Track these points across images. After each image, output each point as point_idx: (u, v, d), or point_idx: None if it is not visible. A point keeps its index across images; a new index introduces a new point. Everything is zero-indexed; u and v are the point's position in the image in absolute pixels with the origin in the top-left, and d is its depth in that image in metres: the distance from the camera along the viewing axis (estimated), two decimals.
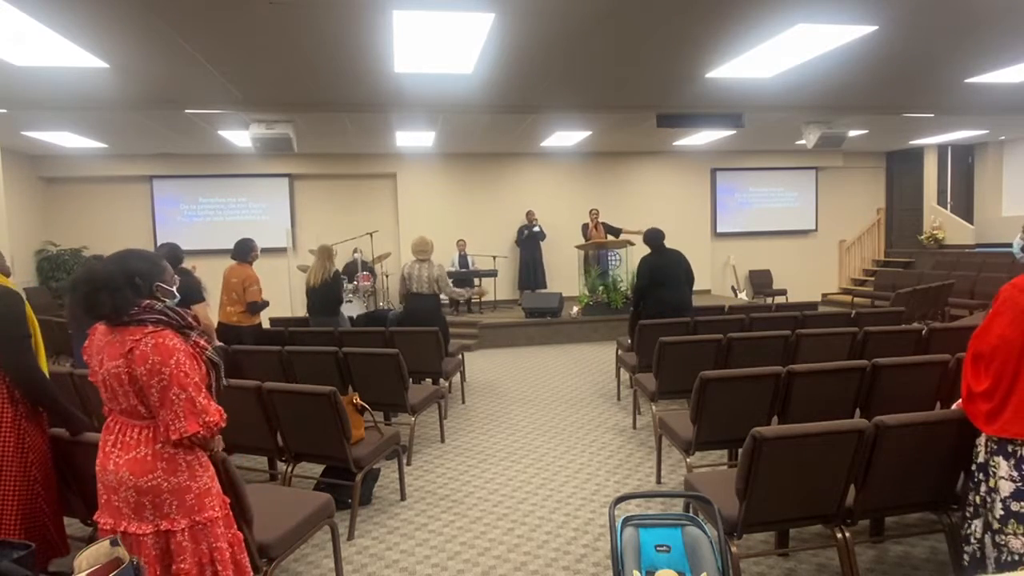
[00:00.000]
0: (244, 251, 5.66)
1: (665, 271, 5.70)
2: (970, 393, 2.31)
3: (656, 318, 5.40)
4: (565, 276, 10.85)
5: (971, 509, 2.34)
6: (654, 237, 5.76)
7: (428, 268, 5.89)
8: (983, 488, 2.27)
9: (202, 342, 2.04)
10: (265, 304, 5.67)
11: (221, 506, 2.06)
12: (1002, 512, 2.17)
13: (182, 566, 1.95)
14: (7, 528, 2.30)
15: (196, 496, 1.98)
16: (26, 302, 2.44)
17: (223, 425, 2.00)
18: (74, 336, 4.37)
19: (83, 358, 2.05)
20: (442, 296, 6.11)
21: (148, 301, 1.96)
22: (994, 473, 2.21)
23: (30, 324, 2.42)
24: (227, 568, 2.03)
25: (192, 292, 4.50)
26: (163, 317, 1.95)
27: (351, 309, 8.27)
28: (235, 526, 2.12)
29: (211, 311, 5.11)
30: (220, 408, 2.00)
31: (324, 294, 6.00)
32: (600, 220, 10.20)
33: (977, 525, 2.29)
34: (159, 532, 1.95)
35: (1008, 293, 2.25)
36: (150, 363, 1.87)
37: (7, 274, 2.57)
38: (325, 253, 6.06)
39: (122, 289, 1.90)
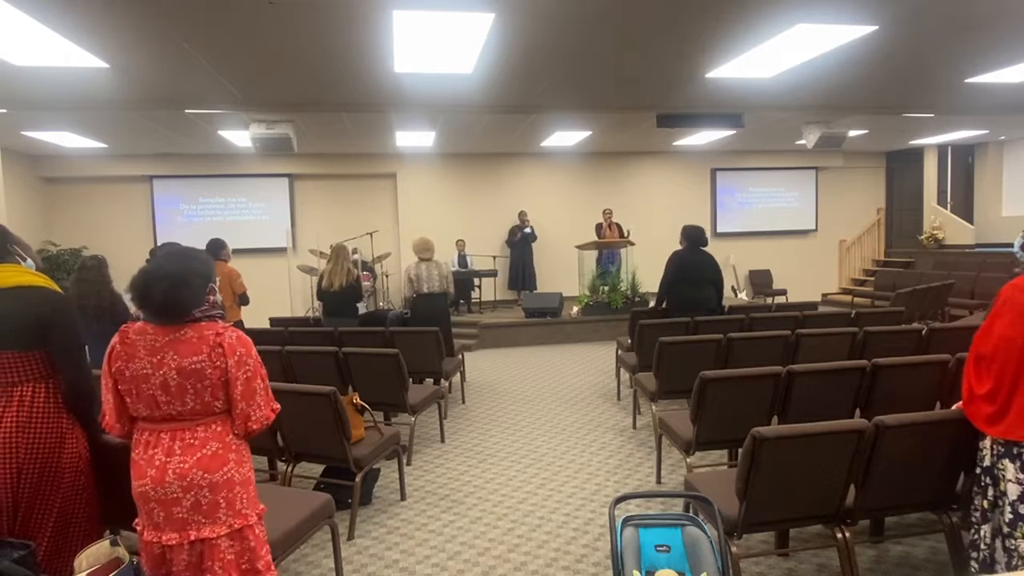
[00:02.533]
0: (218, 248, 5.73)
1: (692, 270, 5.67)
2: (971, 395, 2.30)
3: (680, 315, 5.45)
4: (562, 277, 10.84)
5: (978, 514, 2.31)
6: (692, 234, 5.69)
7: (438, 267, 5.92)
8: (991, 492, 2.24)
9: None
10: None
11: None
12: (1011, 516, 2.14)
13: (257, 564, 1.97)
14: (41, 529, 2.23)
15: (255, 489, 2.04)
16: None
17: None
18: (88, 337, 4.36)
19: (115, 363, 1.94)
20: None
21: (212, 298, 2.01)
22: (1002, 476, 2.19)
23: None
24: (272, 566, 2.08)
25: None
26: (222, 314, 2.04)
27: None
28: None
29: None
30: None
31: (345, 297, 5.91)
32: (613, 220, 10.20)
33: (986, 530, 2.26)
34: (233, 532, 1.95)
35: (1008, 293, 2.24)
36: (238, 355, 1.92)
37: (38, 267, 2.47)
38: (343, 254, 5.92)
39: (196, 286, 1.95)
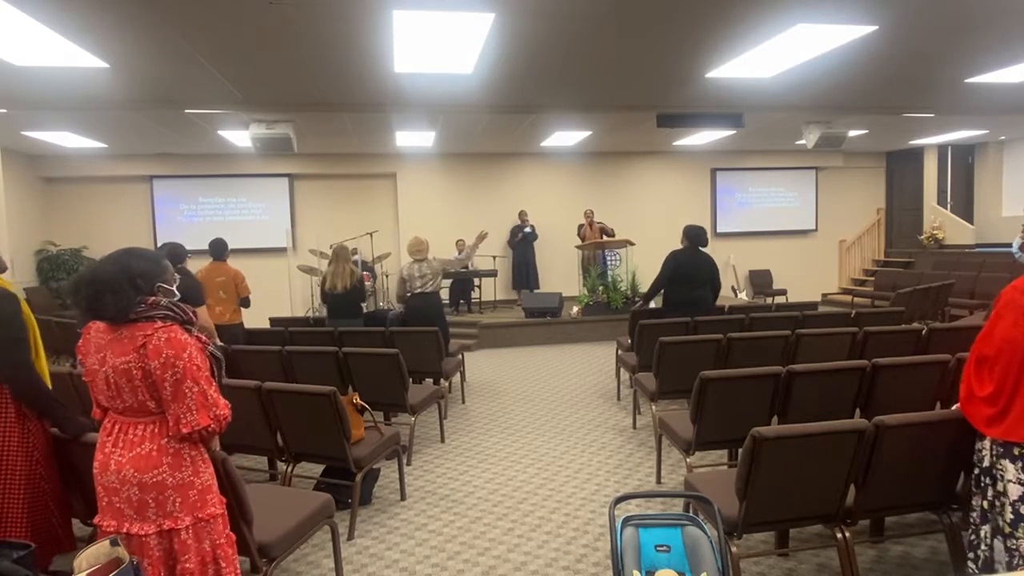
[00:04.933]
0: (222, 249, 5.74)
1: (690, 269, 5.60)
2: (970, 395, 2.30)
3: (675, 315, 5.40)
4: (563, 276, 10.85)
5: (976, 514, 2.31)
6: (693, 234, 5.61)
7: (428, 265, 5.89)
8: (990, 492, 2.24)
9: (203, 337, 2.08)
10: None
11: (220, 504, 2.08)
12: (1012, 516, 2.14)
13: (187, 565, 1.96)
14: (14, 524, 2.31)
15: (199, 493, 2.00)
16: (24, 303, 2.45)
17: (230, 419, 2.02)
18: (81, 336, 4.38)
19: (79, 355, 2.05)
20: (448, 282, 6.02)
21: (153, 298, 1.98)
22: (1001, 476, 2.19)
23: (28, 326, 2.43)
24: (230, 564, 2.04)
25: (194, 294, 4.50)
26: (169, 312, 1.99)
27: None
28: (229, 527, 2.13)
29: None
30: (227, 402, 2.03)
31: (349, 298, 5.90)
32: (595, 220, 10.20)
33: (986, 531, 2.26)
34: (162, 532, 1.95)
35: (1009, 296, 2.24)
36: (164, 357, 1.90)
37: (2, 269, 2.58)
38: (344, 255, 5.92)
39: (125, 290, 1.93)
